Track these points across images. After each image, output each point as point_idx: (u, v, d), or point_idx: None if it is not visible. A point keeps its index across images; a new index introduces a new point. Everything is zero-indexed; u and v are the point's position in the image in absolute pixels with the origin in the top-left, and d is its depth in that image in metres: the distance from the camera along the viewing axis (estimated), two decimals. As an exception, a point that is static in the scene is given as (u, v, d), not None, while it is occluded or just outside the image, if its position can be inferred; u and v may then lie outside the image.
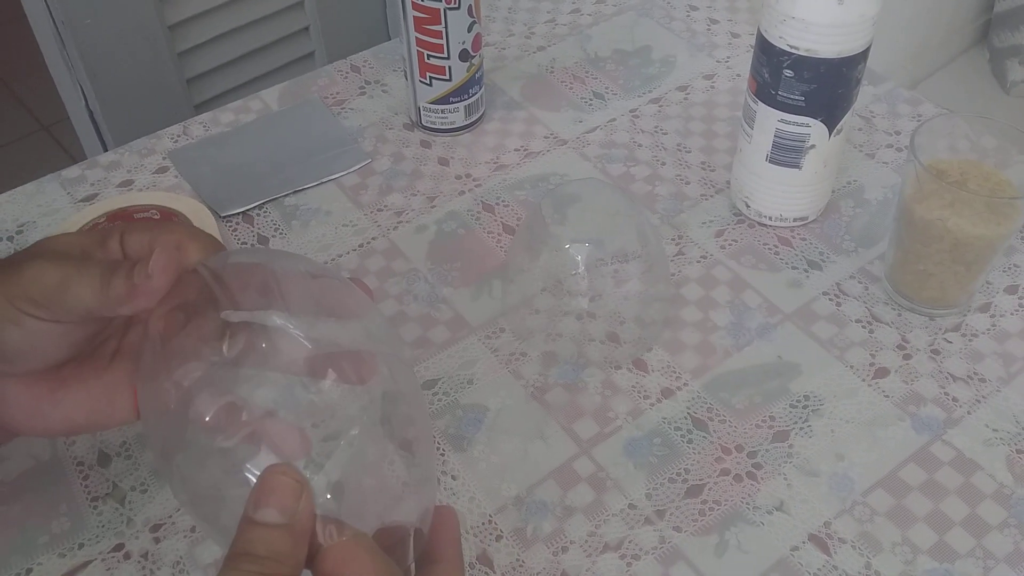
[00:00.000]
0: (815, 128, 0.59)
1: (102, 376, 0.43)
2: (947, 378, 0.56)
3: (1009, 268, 0.62)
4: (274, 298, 0.39)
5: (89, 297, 0.39)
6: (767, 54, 0.58)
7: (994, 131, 0.58)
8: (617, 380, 0.57)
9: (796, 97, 0.58)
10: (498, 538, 0.50)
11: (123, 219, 0.65)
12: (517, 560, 0.49)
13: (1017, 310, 0.60)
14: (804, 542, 0.49)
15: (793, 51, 0.56)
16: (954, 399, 0.55)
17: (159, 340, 0.39)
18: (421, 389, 0.48)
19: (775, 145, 0.60)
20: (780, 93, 0.58)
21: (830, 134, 0.59)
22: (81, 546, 0.50)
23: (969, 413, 0.54)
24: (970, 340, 0.58)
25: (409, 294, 0.62)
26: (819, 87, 0.57)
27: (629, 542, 0.49)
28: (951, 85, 1.70)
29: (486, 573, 0.48)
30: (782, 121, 0.59)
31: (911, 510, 0.50)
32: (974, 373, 0.56)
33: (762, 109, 0.60)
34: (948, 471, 0.52)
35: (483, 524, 0.50)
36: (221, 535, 0.37)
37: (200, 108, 1.05)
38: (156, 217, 0.65)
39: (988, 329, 0.59)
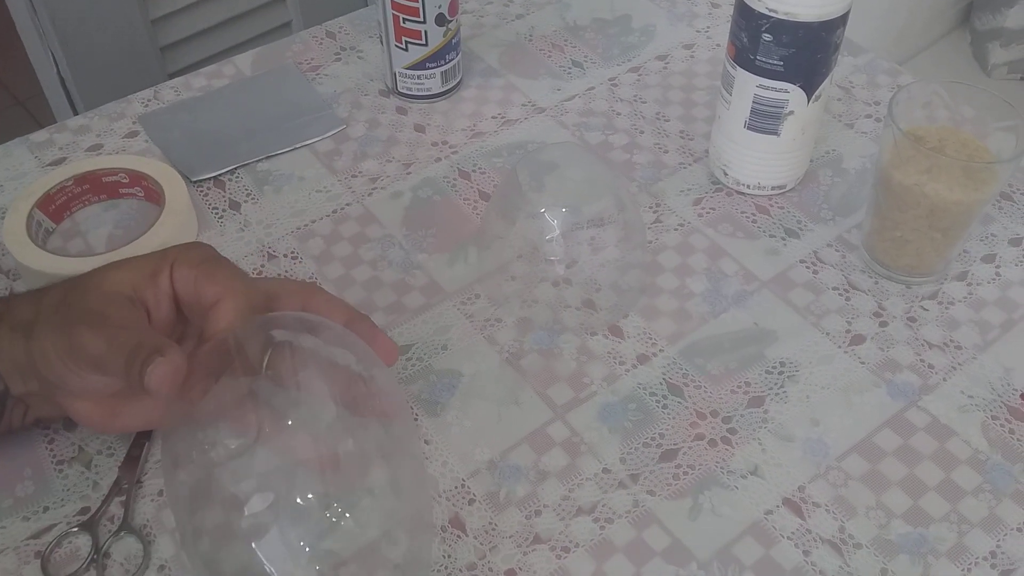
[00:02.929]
0: (793, 94, 0.58)
1: None
2: (923, 345, 0.56)
3: (986, 237, 0.62)
4: (295, 376, 0.43)
5: (119, 374, 0.42)
6: (746, 18, 0.57)
7: (972, 99, 0.57)
8: (593, 346, 0.56)
9: (775, 62, 0.57)
10: (471, 502, 0.49)
11: (91, 182, 0.64)
12: (490, 523, 0.48)
13: (994, 279, 0.60)
14: (778, 506, 0.49)
15: (772, 14, 0.55)
16: (930, 366, 0.55)
17: (182, 403, 0.43)
18: (428, 486, 0.50)
19: (753, 111, 0.60)
20: (759, 58, 0.57)
21: (808, 100, 0.59)
22: (46, 509, 0.49)
23: (945, 380, 0.54)
24: (946, 308, 0.58)
25: (383, 260, 0.61)
26: (798, 51, 0.56)
27: (603, 506, 0.49)
28: (932, 67, 1.70)
29: (458, 536, 0.48)
30: (760, 87, 0.59)
31: (886, 475, 0.50)
32: (950, 340, 0.56)
33: (740, 74, 0.59)
34: (923, 437, 0.52)
35: (456, 488, 0.50)
36: None
37: (174, 77, 1.03)
38: (125, 181, 0.64)
39: (965, 297, 0.59)
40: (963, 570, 0.46)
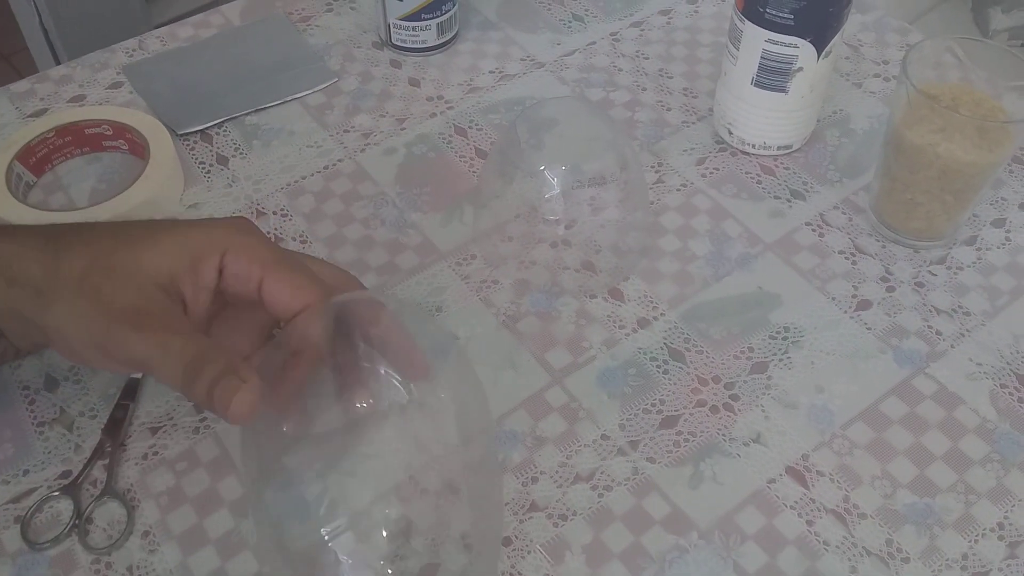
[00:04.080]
0: (803, 49, 0.56)
1: None
2: (931, 311, 0.54)
3: (996, 201, 0.60)
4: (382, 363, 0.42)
5: (171, 384, 0.39)
6: (756, -31, 0.55)
7: (986, 56, 0.55)
8: (592, 309, 0.55)
9: (785, 15, 0.55)
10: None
11: (73, 134, 0.61)
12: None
13: (1004, 244, 0.58)
14: (781, 474, 0.48)
15: (784, -35, 0.53)
16: (938, 332, 0.53)
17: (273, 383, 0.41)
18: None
19: (761, 67, 0.58)
20: (768, 11, 0.55)
21: (818, 56, 0.57)
22: (26, 473, 0.47)
23: (953, 347, 0.53)
24: (955, 273, 0.56)
25: (376, 218, 0.59)
26: (809, 4, 0.54)
27: (601, 473, 0.47)
28: (932, 33, 1.67)
29: (453, 503, 0.46)
30: (769, 41, 0.56)
31: (892, 444, 0.49)
32: (959, 306, 0.55)
33: (749, 28, 0.57)
34: (930, 405, 0.50)
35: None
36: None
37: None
38: (108, 133, 0.62)
39: (974, 262, 0.57)
40: (970, 541, 0.45)
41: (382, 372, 0.42)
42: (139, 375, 0.50)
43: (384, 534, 0.42)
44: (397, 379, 0.42)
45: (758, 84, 0.58)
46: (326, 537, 0.40)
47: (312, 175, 0.62)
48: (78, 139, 0.62)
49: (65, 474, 0.47)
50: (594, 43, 0.71)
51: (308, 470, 0.41)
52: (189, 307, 0.42)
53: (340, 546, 0.41)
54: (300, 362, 0.41)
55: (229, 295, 0.43)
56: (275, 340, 0.43)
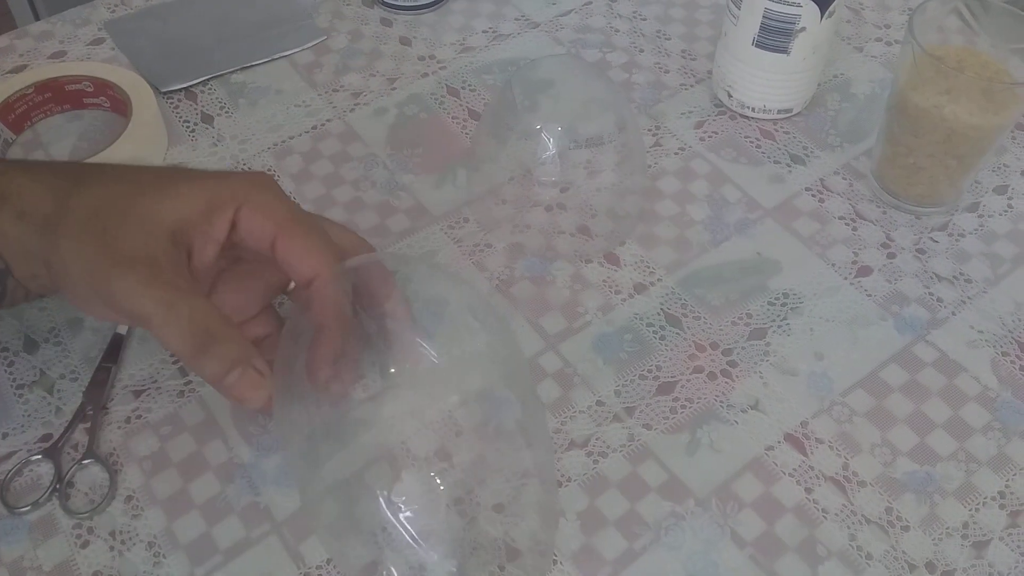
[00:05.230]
0: (807, 8, 0.55)
1: None
2: (932, 278, 0.54)
3: (999, 168, 0.59)
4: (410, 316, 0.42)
5: (171, 348, 0.38)
6: (760, -76, 0.53)
7: (988, 19, 0.54)
8: (587, 274, 0.53)
9: (788, -27, 0.54)
10: (458, 433, 0.47)
11: (53, 90, 0.59)
12: (478, 456, 0.46)
13: (1006, 211, 0.57)
14: (779, 441, 0.47)
15: (788, -80, 0.52)
16: (939, 299, 0.53)
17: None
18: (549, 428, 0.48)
19: (763, 27, 0.56)
20: (771, -31, 0.54)
21: (822, 16, 0.55)
22: (5, 436, 0.46)
23: (954, 314, 0.52)
24: (957, 240, 0.55)
25: (366, 180, 0.58)
26: (814, -38, 0.53)
27: (596, 439, 0.46)
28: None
29: (445, 469, 0.45)
30: (772, 0, 0.55)
31: (891, 411, 0.48)
32: (960, 273, 0.54)
33: (751, -13, 0.55)
34: (931, 372, 0.49)
35: (443, 419, 0.47)
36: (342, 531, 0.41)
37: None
38: (89, 90, 0.60)
39: (976, 229, 0.56)
40: (971, 510, 0.44)
41: (401, 331, 0.42)
42: (123, 330, 0.49)
43: (440, 483, 0.42)
44: (423, 342, 0.42)
45: (759, 45, 0.57)
46: (392, 498, 0.40)
47: (300, 135, 0.60)
48: (58, 96, 0.60)
49: (45, 437, 0.46)
50: (590, 3, 0.69)
51: (354, 432, 0.41)
52: (195, 258, 0.40)
53: (404, 500, 0.41)
54: (329, 336, 0.40)
55: (242, 251, 0.42)
56: (296, 309, 0.42)
